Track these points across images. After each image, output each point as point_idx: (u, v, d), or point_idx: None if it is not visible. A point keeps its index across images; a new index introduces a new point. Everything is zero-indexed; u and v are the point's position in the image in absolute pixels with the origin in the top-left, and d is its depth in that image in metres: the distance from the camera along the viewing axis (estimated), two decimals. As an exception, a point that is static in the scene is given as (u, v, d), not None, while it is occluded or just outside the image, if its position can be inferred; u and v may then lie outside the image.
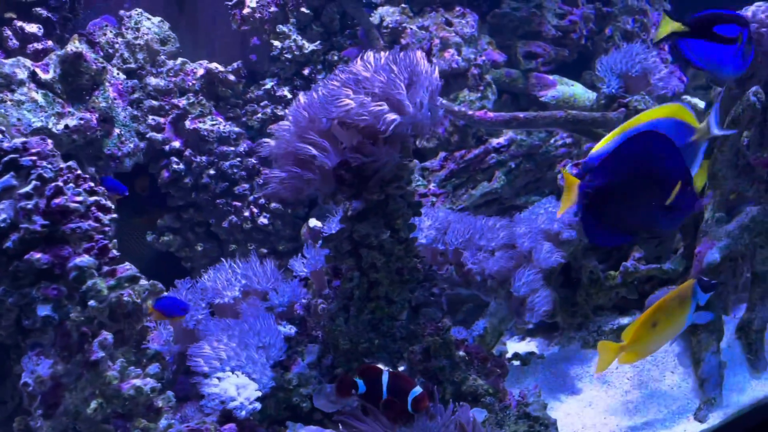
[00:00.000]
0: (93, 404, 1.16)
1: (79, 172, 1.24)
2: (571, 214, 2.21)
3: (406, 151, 1.65)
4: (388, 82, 1.47)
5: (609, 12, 2.98)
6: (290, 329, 1.77)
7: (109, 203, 1.30)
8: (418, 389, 1.49)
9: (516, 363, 2.29)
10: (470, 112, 2.20)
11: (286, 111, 1.54)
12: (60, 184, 1.15)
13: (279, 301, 1.79)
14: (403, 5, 2.46)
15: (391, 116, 1.47)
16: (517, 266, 2.08)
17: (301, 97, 1.57)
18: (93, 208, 1.22)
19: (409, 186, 1.72)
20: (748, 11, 2.23)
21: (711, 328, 2.10)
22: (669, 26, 1.65)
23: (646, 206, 1.36)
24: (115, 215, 1.32)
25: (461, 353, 1.82)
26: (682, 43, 1.67)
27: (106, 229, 1.28)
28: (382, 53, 1.52)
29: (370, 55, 1.51)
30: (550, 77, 2.85)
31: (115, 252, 1.30)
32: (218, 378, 1.46)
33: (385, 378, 1.49)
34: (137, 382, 1.31)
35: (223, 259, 1.77)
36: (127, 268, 1.30)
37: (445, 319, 1.87)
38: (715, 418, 1.91)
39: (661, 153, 1.31)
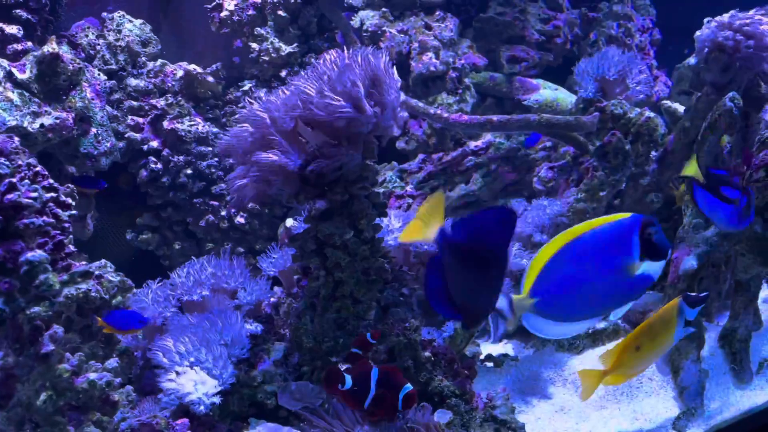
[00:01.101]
0: (42, 396, 1.18)
1: (38, 169, 1.28)
2: (544, 218, 2.22)
3: (369, 152, 1.67)
4: (346, 81, 1.49)
5: (594, 17, 2.99)
6: (257, 327, 1.79)
7: (68, 200, 1.33)
8: (408, 386, 1.48)
9: (489, 365, 2.30)
10: (445, 115, 2.22)
11: (246, 111, 1.56)
12: (14, 180, 1.18)
13: (246, 299, 1.81)
14: (383, 9, 2.49)
15: (347, 111, 1.49)
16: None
17: (268, 97, 1.59)
18: (50, 204, 1.25)
19: (375, 187, 1.74)
20: (725, 17, 2.24)
21: (691, 335, 2.08)
22: (693, 169, 1.80)
23: (470, 284, 1.26)
24: (74, 212, 1.34)
25: (427, 354, 1.83)
26: (696, 188, 1.82)
27: (65, 225, 1.31)
28: (346, 53, 1.54)
29: (333, 54, 1.53)
30: (534, 81, 2.86)
31: (71, 248, 1.33)
32: (176, 373, 1.48)
33: (374, 374, 1.48)
34: (92, 375, 1.33)
35: (194, 257, 1.80)
36: (81, 264, 1.33)
37: (413, 320, 1.88)
38: (695, 429, 1.85)
39: (490, 232, 1.22)
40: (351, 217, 1.70)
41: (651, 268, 1.31)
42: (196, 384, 1.50)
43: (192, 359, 1.53)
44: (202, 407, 1.47)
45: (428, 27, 2.47)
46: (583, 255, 1.31)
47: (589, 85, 2.36)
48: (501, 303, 1.37)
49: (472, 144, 2.44)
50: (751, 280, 2.32)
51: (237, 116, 1.58)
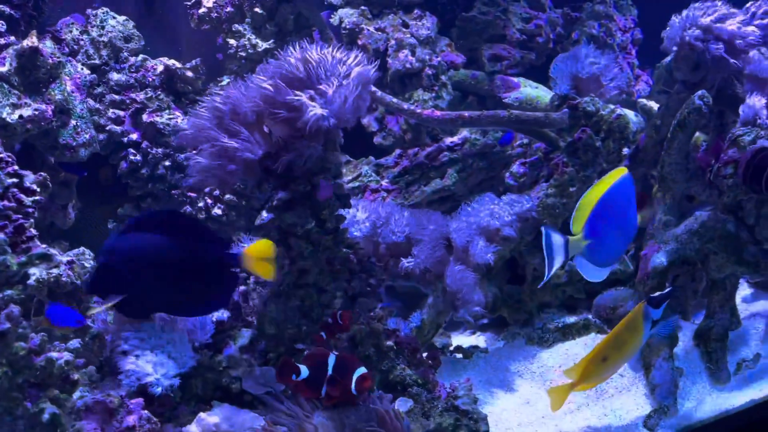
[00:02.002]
0: (-1, 372, 1.24)
1: (2, 155, 1.34)
2: (512, 213, 2.25)
3: (331, 144, 1.72)
4: (305, 76, 1.54)
5: (577, 17, 3.02)
6: (223, 314, 1.85)
7: (34, 186, 1.39)
8: (362, 369, 1.50)
9: (458, 356, 2.34)
10: (418, 111, 2.26)
11: (207, 101, 1.61)
12: (-25, 166, 1.24)
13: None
14: (362, 7, 2.54)
15: (310, 109, 1.54)
16: (459, 259, 2.13)
17: (230, 88, 1.65)
18: (13, 189, 1.31)
19: (338, 178, 1.78)
20: (691, 13, 2.26)
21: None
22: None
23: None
24: (39, 197, 1.41)
25: (390, 343, 1.87)
26: None
27: (29, 210, 1.37)
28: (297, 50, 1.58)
29: (293, 50, 1.58)
30: (515, 80, 2.89)
31: (33, 231, 1.39)
32: (136, 356, 1.54)
33: (331, 360, 1.51)
34: (53, 354, 1.39)
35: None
36: (40, 246, 1.39)
37: (378, 309, 1.93)
38: (667, 429, 1.84)
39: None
40: (313, 207, 1.75)
41: None
42: (155, 366, 1.55)
43: (153, 343, 1.59)
44: (159, 388, 1.53)
45: (406, 25, 2.51)
46: (626, 199, 1.35)
47: (563, 83, 2.39)
48: (557, 242, 1.44)
49: (448, 140, 2.49)
50: (727, 279, 2.34)
51: (198, 107, 1.63)
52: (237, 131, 1.63)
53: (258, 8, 2.31)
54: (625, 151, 2.46)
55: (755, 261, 2.24)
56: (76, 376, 1.46)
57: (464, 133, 2.52)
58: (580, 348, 2.29)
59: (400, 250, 2.15)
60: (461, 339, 2.53)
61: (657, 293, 1.67)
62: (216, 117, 1.62)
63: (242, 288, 1.98)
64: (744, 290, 2.71)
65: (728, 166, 2.07)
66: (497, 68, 2.87)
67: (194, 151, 1.59)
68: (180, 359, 1.61)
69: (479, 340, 2.53)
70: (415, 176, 2.48)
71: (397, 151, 2.51)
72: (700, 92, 2.15)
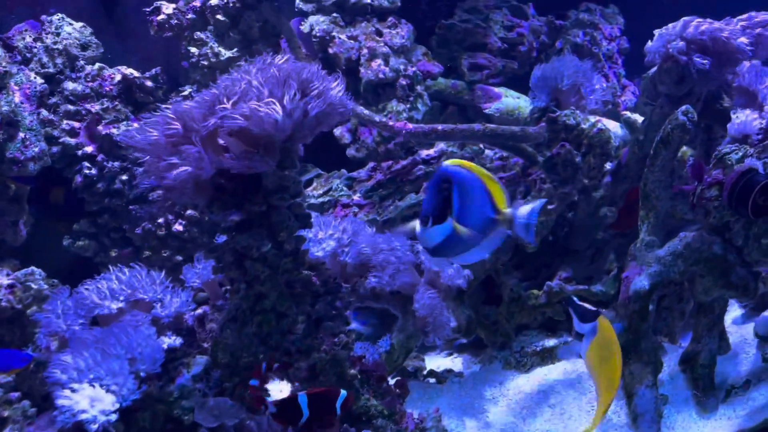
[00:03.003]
0: None
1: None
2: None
3: (289, 161, 1.61)
4: (259, 89, 1.43)
5: (561, 25, 2.92)
6: (175, 340, 1.73)
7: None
8: (342, 393, 1.46)
9: (432, 381, 2.23)
10: (390, 123, 2.16)
11: (158, 116, 1.50)
12: None
13: (165, 312, 1.75)
14: (334, 15, 2.44)
15: (266, 118, 1.43)
16: (429, 282, 2.02)
17: (181, 103, 1.54)
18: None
19: (297, 197, 1.68)
20: (677, 25, 2.16)
21: (645, 359, 1.97)
22: None
23: None
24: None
25: (353, 371, 1.77)
26: None
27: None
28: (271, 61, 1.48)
29: (253, 62, 1.48)
30: (496, 90, 2.80)
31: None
32: (72, 389, 1.42)
33: (303, 400, 1.45)
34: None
35: (111, 267, 1.74)
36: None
37: (343, 335, 1.82)
38: None
39: None
40: (270, 228, 1.64)
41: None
42: (92, 401, 1.44)
43: (92, 375, 1.47)
44: (95, 425, 1.41)
45: (379, 33, 2.41)
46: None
47: (542, 94, 2.29)
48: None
49: (424, 153, 2.38)
50: (715, 302, 2.24)
51: (147, 121, 1.52)
52: (187, 147, 1.52)
53: (221, 15, 2.20)
54: (609, 166, 2.36)
55: (744, 284, 2.14)
56: (6, 413, 1.35)
57: (441, 145, 2.42)
58: (559, 373, 2.19)
59: (369, 269, 2.04)
60: (438, 361, 2.43)
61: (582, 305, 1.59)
62: (166, 131, 1.51)
63: (198, 312, 1.86)
64: (735, 311, 2.61)
65: (712, 189, 1.96)
66: (477, 78, 2.78)
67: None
68: (120, 392, 1.49)
69: (456, 362, 2.42)
70: (389, 190, 2.38)
71: (371, 164, 2.41)
72: (684, 107, 2.05)
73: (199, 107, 1.51)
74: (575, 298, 1.60)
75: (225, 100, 1.47)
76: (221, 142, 1.58)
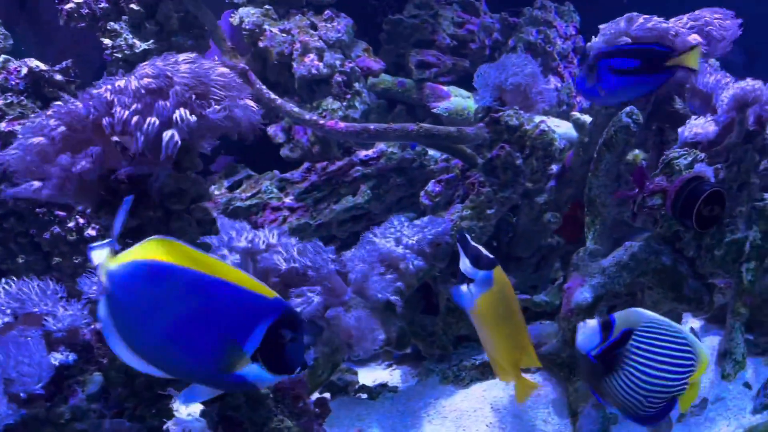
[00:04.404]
0: None
1: None
2: (423, 238, 2.02)
3: (188, 162, 1.47)
4: (143, 92, 1.30)
5: (516, 22, 2.81)
6: (68, 357, 1.58)
7: None
8: None
9: (364, 396, 2.10)
10: (321, 122, 2.03)
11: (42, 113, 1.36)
12: None
13: (57, 326, 1.60)
14: (266, 7, 2.29)
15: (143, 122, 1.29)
16: (357, 292, 1.90)
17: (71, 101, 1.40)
18: None
19: (200, 201, 1.54)
20: (620, 23, 2.06)
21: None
22: None
23: None
24: None
25: (265, 390, 1.63)
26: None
27: None
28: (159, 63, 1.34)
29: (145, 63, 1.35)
30: (445, 88, 2.68)
31: None
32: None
33: None
34: None
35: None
36: None
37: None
38: None
39: None
40: (169, 235, 1.51)
41: (257, 374, 1.01)
42: (-46, 428, 1.28)
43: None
44: (-47, 457, 1.26)
45: (314, 27, 2.28)
46: (192, 297, 1.00)
47: (486, 94, 2.17)
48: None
49: (362, 153, 2.25)
50: (667, 315, 2.14)
51: (31, 122, 1.38)
52: (75, 146, 1.38)
53: (135, 4, 2.05)
54: (555, 168, 2.25)
55: (697, 297, 2.04)
56: None
57: (381, 145, 2.29)
58: (499, 389, 2.07)
59: (295, 279, 1.91)
60: (375, 373, 2.29)
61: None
62: (46, 133, 1.36)
63: (96, 326, 1.72)
64: (693, 323, 2.52)
65: (655, 197, 1.86)
66: (426, 76, 2.65)
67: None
68: (-11, 418, 1.34)
69: (395, 374, 2.29)
70: (324, 193, 2.24)
71: (306, 165, 2.27)
72: (628, 109, 1.95)
73: (86, 108, 1.37)
74: (469, 236, 1.50)
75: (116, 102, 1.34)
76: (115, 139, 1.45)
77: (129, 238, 1.52)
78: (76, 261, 2.02)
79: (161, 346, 1.03)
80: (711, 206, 1.75)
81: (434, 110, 2.63)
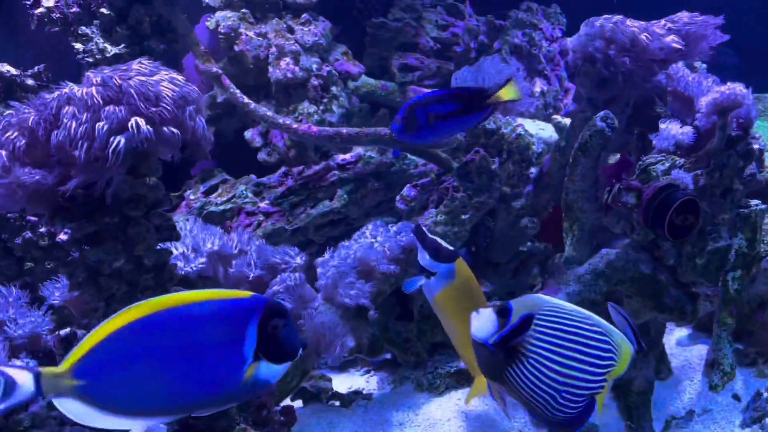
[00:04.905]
0: None
1: None
2: (398, 244, 1.99)
3: (145, 168, 1.46)
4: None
5: (502, 25, 2.77)
6: (28, 364, 1.57)
7: None
8: None
9: (337, 404, 2.07)
10: (294, 126, 2.01)
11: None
12: None
13: (18, 332, 1.59)
14: (243, 10, 2.28)
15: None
16: (326, 298, 1.87)
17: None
18: None
19: (161, 206, 1.52)
20: (597, 23, 2.02)
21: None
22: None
23: None
24: None
25: (228, 397, 1.61)
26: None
27: None
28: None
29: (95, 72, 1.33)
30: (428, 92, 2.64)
31: None
32: None
33: None
34: None
35: None
36: None
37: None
38: None
39: None
40: (127, 242, 1.49)
41: (266, 370, 1.01)
42: None
43: None
44: None
45: (291, 30, 2.26)
46: (172, 336, 0.98)
47: (462, 97, 2.14)
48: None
49: (339, 157, 2.23)
50: (650, 323, 2.09)
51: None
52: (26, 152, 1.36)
53: (105, 9, 2.04)
54: (533, 172, 2.22)
55: (679, 307, 2.00)
56: None
57: (359, 149, 2.26)
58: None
59: (262, 286, 1.89)
60: (351, 380, 2.26)
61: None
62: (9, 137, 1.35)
63: (64, 332, 1.71)
64: (680, 331, 2.47)
65: (630, 194, 1.82)
66: (409, 79, 2.62)
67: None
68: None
69: (371, 381, 2.26)
70: (301, 197, 2.22)
71: (282, 169, 2.25)
72: (602, 113, 1.91)
73: (38, 116, 1.36)
74: (426, 229, 1.47)
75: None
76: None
77: (87, 244, 1.51)
78: (49, 266, 2.01)
79: (172, 393, 0.99)
80: (684, 215, 1.71)
81: (417, 114, 2.59)
